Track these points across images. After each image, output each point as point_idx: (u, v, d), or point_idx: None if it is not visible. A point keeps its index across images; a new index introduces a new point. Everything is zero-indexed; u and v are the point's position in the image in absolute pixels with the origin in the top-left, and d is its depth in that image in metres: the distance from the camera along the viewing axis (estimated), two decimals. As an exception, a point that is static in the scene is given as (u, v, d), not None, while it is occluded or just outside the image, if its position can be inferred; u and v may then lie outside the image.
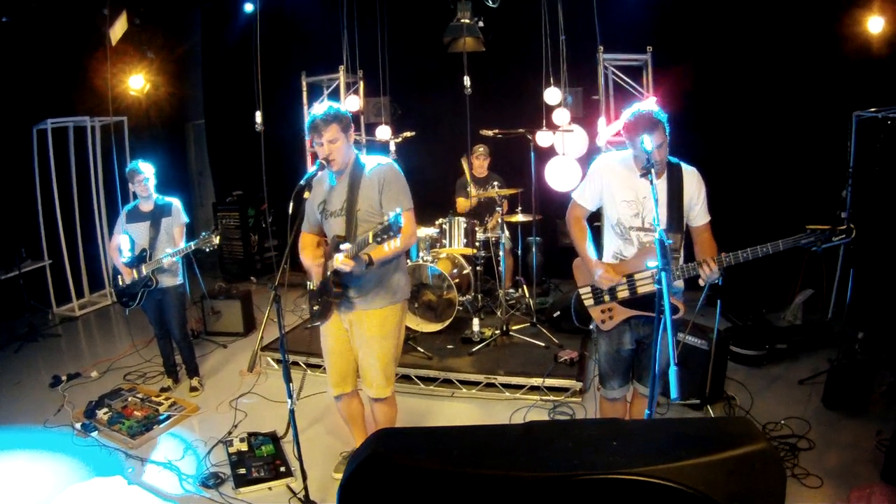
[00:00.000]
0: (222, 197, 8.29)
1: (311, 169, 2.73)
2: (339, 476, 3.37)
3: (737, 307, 5.48)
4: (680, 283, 2.75)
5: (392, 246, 2.63)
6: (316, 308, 2.96)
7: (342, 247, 2.59)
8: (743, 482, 0.94)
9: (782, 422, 3.69)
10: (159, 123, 7.66)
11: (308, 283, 3.03)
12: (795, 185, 5.47)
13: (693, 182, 2.67)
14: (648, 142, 2.32)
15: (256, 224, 8.04)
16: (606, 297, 2.75)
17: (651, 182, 2.12)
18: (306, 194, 2.65)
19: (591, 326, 2.93)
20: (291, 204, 2.56)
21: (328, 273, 2.78)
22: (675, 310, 2.64)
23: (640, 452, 0.99)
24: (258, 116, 5.40)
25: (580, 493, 0.92)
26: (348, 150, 2.81)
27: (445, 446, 1.04)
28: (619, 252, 2.75)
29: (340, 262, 2.57)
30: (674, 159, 2.71)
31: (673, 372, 1.59)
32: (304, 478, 2.87)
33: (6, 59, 5.86)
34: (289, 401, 2.65)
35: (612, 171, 2.71)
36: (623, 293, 2.71)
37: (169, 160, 8.06)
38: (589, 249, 2.78)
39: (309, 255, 2.93)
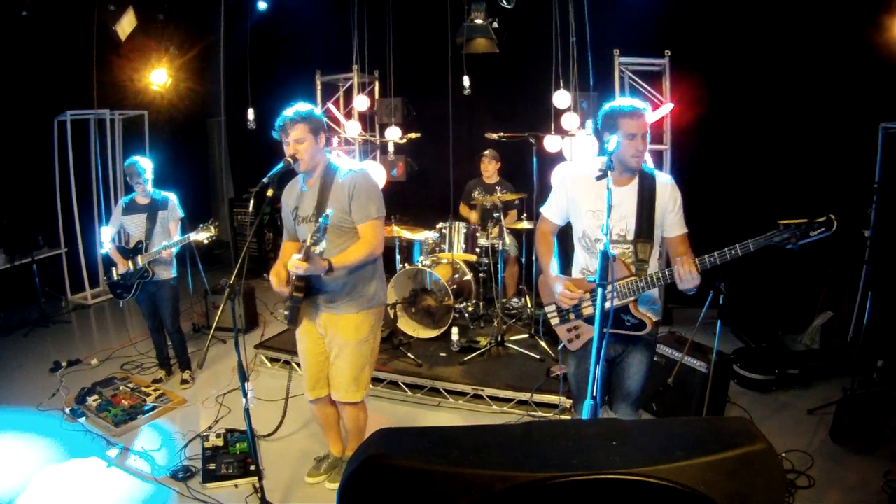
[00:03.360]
0: (240, 193, 8.39)
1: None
2: (312, 481, 3.33)
3: (752, 328, 5.19)
4: (653, 293, 2.57)
5: (355, 254, 2.67)
6: (286, 313, 2.95)
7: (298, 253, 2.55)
8: (742, 482, 0.93)
9: (783, 455, 3.44)
10: (180, 118, 7.78)
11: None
12: (818, 200, 5.15)
13: (666, 193, 2.47)
14: (613, 142, 2.17)
15: (271, 221, 8.07)
16: (572, 315, 2.60)
17: (608, 186, 1.96)
18: (269, 192, 2.59)
19: (558, 347, 2.77)
20: (252, 202, 2.52)
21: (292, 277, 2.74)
22: (642, 325, 2.47)
23: (640, 452, 0.97)
24: (250, 114, 5.40)
25: (580, 493, 0.91)
26: (317, 153, 2.78)
27: (445, 446, 1.03)
28: (585, 267, 2.58)
29: (293, 263, 2.54)
30: (648, 168, 2.54)
31: (587, 406, 1.44)
32: (261, 477, 2.82)
33: (27, 51, 6.03)
34: (244, 400, 2.59)
35: (577, 181, 2.54)
36: (588, 310, 2.55)
37: (189, 155, 8.24)
38: (552, 265, 2.64)
39: (274, 274, 2.87)
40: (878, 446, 3.53)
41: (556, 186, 2.65)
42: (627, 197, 2.45)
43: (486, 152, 5.87)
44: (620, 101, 2.43)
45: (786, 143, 5.36)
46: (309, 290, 2.80)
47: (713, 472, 0.92)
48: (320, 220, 2.38)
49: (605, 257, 1.70)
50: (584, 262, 2.58)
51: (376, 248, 2.76)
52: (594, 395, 1.49)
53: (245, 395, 2.57)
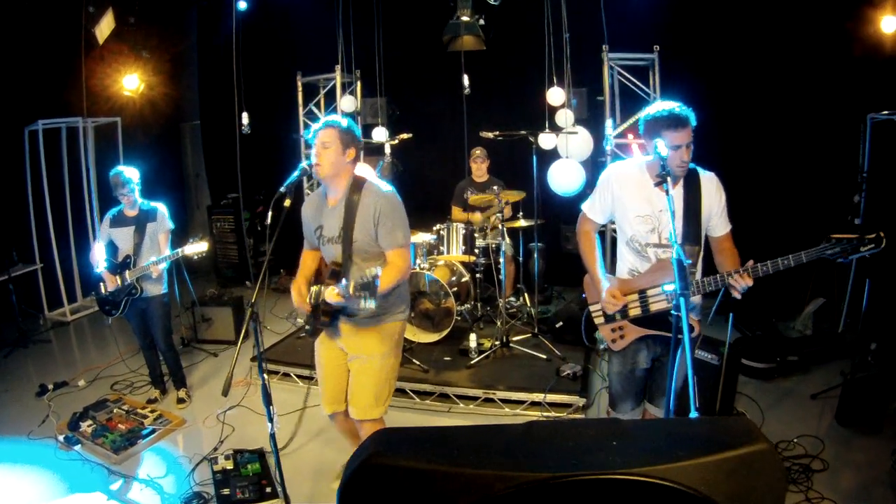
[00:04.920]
0: (218, 199, 8.15)
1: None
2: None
3: (745, 316, 5.29)
4: (698, 299, 2.56)
5: (386, 281, 2.57)
6: (307, 327, 2.89)
7: (340, 283, 2.46)
8: (743, 482, 0.92)
9: (795, 440, 3.52)
10: (154, 124, 7.51)
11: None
12: (807, 191, 5.28)
13: (712, 189, 2.45)
14: (663, 147, 2.12)
15: (252, 227, 7.89)
16: (617, 315, 2.57)
17: (667, 192, 1.92)
18: (287, 202, 2.49)
19: (600, 347, 2.75)
20: (270, 213, 2.42)
21: (319, 298, 2.67)
22: (690, 329, 2.47)
23: (640, 452, 0.97)
24: (245, 118, 5.26)
25: (580, 493, 0.91)
26: (340, 164, 2.68)
27: (445, 446, 1.01)
28: (634, 269, 2.56)
29: (330, 296, 2.48)
30: (691, 164, 2.52)
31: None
32: (287, 502, 2.71)
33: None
34: (269, 424, 2.49)
35: (625, 183, 2.50)
36: (635, 311, 2.52)
37: (163, 162, 7.95)
38: (598, 267, 2.60)
39: (295, 290, 2.83)
40: (881, 427, 3.64)
41: (601, 185, 2.59)
42: (674, 199, 2.42)
43: (477, 152, 5.79)
44: (661, 106, 2.36)
45: (775, 136, 5.46)
46: (334, 313, 2.74)
47: (713, 472, 0.92)
48: (376, 282, 2.29)
49: (681, 266, 1.67)
50: (633, 263, 2.56)
51: (405, 273, 2.71)
52: (696, 405, 1.46)
53: (270, 419, 2.47)
